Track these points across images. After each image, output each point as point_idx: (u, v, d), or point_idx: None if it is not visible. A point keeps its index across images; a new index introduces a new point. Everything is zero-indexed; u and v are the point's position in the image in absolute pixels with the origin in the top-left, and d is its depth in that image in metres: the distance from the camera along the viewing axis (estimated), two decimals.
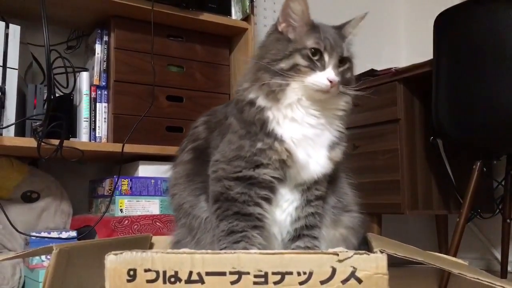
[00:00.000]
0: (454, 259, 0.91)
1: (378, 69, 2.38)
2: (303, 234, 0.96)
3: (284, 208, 0.96)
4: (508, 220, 2.06)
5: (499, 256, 2.24)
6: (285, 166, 0.92)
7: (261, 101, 0.92)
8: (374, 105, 2.24)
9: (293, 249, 0.95)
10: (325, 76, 0.89)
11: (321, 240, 0.99)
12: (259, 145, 0.90)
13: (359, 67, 2.67)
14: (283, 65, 0.91)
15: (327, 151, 0.94)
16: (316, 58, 0.91)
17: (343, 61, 0.94)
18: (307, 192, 0.96)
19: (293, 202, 0.96)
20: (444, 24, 1.89)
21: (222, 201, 0.92)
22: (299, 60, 0.90)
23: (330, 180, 1.01)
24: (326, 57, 0.91)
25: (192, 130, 1.08)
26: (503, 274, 2.09)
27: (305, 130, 0.92)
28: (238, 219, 0.90)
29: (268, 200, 0.93)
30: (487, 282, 0.65)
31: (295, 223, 0.96)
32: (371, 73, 2.36)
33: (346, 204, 1.05)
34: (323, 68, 0.90)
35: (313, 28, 0.94)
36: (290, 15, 0.94)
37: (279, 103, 0.91)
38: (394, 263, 0.72)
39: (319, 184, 0.97)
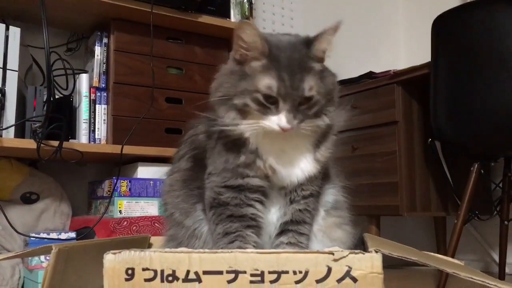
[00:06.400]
0: (449, 259, 0.91)
1: (377, 71, 2.39)
2: (288, 229, 0.95)
3: (275, 211, 0.97)
4: (506, 222, 2.07)
5: (497, 258, 2.24)
6: (268, 177, 0.92)
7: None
8: (373, 108, 2.26)
9: (276, 244, 0.95)
10: (276, 123, 0.84)
11: (312, 238, 0.98)
12: (243, 158, 0.90)
13: (358, 70, 2.71)
14: (236, 101, 0.86)
15: (312, 154, 0.93)
16: (271, 101, 0.83)
17: (306, 100, 0.85)
18: (293, 193, 0.96)
19: (281, 203, 0.97)
20: (442, 27, 1.90)
21: (215, 206, 0.93)
22: (250, 103, 0.84)
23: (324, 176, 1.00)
24: (280, 102, 0.83)
25: (192, 138, 1.06)
26: (501, 276, 2.09)
27: (283, 145, 0.90)
28: (232, 221, 0.92)
29: (260, 202, 0.94)
30: (481, 281, 0.66)
31: (282, 218, 0.97)
32: (370, 75, 2.37)
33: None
34: (276, 112, 0.84)
35: (270, 61, 0.85)
36: (242, 46, 0.87)
37: (241, 134, 0.89)
38: (392, 264, 0.72)
39: (306, 185, 0.95)
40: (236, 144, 0.91)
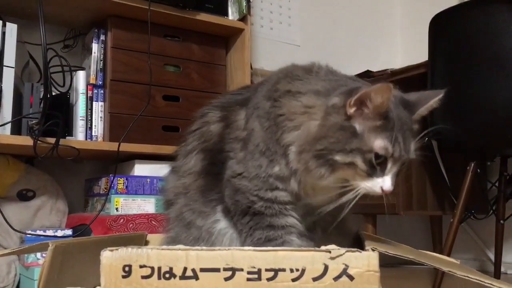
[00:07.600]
0: (445, 257, 0.92)
1: (374, 70, 2.39)
2: None
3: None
4: (502, 221, 2.07)
5: (492, 257, 2.25)
6: (298, 196, 0.90)
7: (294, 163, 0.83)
8: None
9: None
10: (380, 185, 0.79)
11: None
12: (276, 169, 0.86)
13: (355, 68, 2.70)
14: (338, 158, 0.78)
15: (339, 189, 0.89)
16: (378, 161, 0.78)
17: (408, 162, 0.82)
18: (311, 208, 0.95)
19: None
20: (440, 26, 1.90)
21: (251, 214, 0.89)
22: (359, 163, 0.78)
23: None
24: (389, 164, 0.78)
25: (202, 129, 0.98)
26: (497, 275, 2.10)
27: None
28: (274, 229, 0.89)
29: (295, 210, 0.91)
30: (476, 279, 0.66)
31: None
32: (367, 74, 2.37)
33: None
34: (381, 174, 0.79)
35: (386, 122, 0.78)
36: (366, 104, 0.78)
37: (307, 184, 0.85)
38: (389, 263, 0.72)
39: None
40: (276, 147, 0.86)
